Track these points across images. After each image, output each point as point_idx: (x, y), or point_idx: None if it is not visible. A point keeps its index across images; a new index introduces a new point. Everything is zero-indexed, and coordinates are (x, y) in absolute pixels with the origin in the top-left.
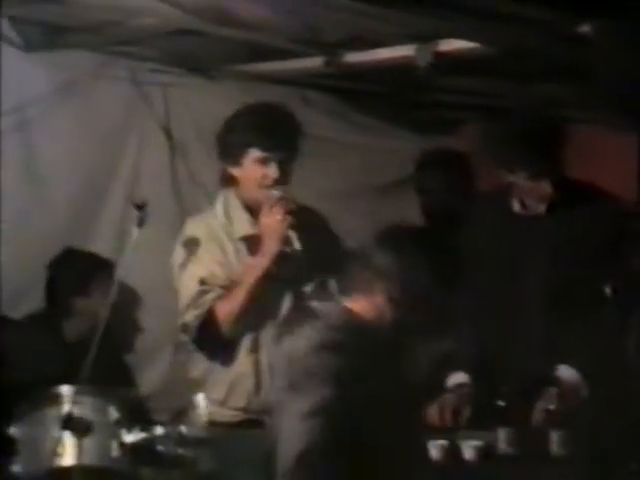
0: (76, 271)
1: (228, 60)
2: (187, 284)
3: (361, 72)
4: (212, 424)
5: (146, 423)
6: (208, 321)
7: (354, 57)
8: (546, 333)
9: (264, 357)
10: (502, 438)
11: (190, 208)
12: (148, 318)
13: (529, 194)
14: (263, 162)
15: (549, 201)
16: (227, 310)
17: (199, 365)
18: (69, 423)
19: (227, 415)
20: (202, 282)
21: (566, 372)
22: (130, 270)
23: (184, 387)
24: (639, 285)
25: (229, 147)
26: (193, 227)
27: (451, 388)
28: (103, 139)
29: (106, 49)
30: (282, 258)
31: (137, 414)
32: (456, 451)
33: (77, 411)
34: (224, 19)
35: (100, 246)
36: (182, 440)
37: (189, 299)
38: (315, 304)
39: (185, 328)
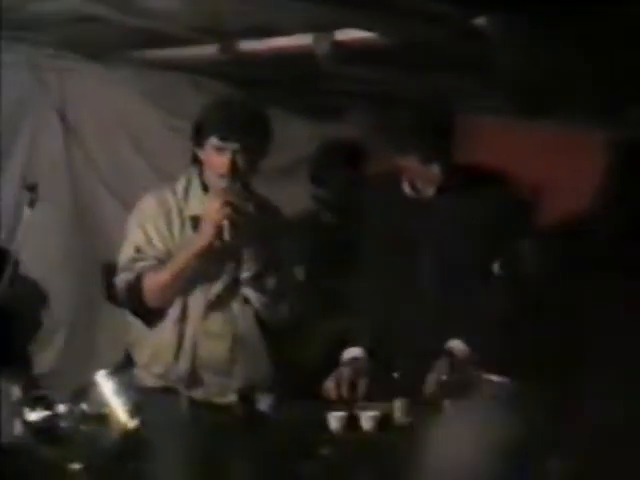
0: None
1: (124, 46)
2: (125, 249)
3: (257, 60)
4: (138, 387)
5: (46, 402)
6: (135, 287)
7: (250, 45)
8: (438, 310)
9: (189, 329)
10: (398, 408)
11: (84, 191)
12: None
13: (419, 177)
14: (219, 151)
15: (438, 184)
16: (153, 281)
17: (133, 328)
18: None
19: (150, 380)
20: (138, 250)
21: (457, 345)
22: (24, 253)
23: (81, 367)
24: (525, 261)
25: (197, 130)
26: (146, 199)
27: (346, 362)
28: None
29: (3, 34)
30: (219, 243)
31: (37, 394)
32: (354, 422)
33: None
34: (127, 7)
35: None
36: (84, 417)
37: (122, 263)
38: (248, 292)
39: (114, 288)
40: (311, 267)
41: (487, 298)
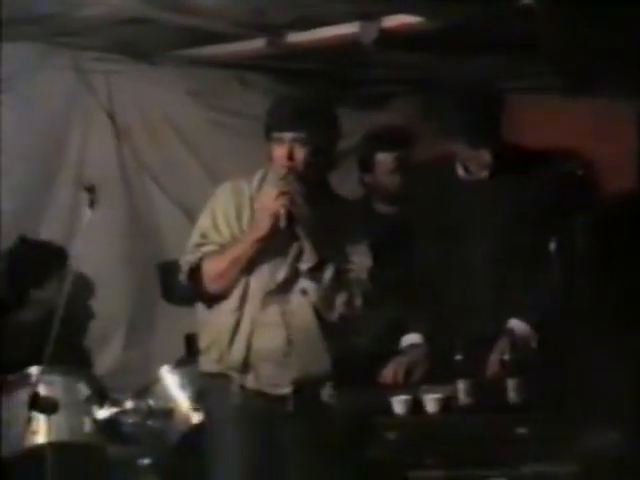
0: (30, 263)
1: (169, 46)
2: (193, 233)
3: (303, 52)
4: (199, 373)
5: (113, 399)
6: (196, 270)
7: (297, 37)
8: (496, 291)
9: (246, 319)
10: (462, 389)
11: (137, 191)
12: (99, 302)
13: (471, 161)
14: (279, 143)
15: (491, 167)
16: (213, 266)
17: (196, 313)
18: (36, 403)
19: (209, 365)
20: (203, 235)
21: (517, 324)
22: (81, 255)
23: (143, 364)
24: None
25: (266, 130)
26: (223, 186)
27: (404, 349)
28: (48, 127)
29: (49, 40)
30: (279, 233)
31: (104, 391)
32: (419, 405)
33: (46, 391)
34: (172, 5)
35: (53, 231)
36: (151, 412)
37: (189, 246)
38: (306, 284)
39: (181, 269)
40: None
41: (545, 276)
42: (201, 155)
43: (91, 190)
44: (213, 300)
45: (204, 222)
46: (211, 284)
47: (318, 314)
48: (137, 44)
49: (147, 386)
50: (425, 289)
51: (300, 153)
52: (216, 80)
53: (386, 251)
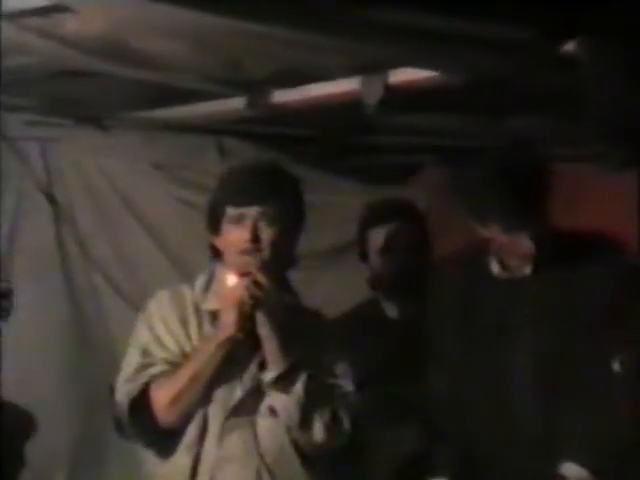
0: None
1: (126, 106)
2: (129, 353)
3: (292, 114)
4: None
5: None
6: (141, 403)
7: (283, 95)
8: (543, 422)
9: (206, 456)
10: None
11: (83, 290)
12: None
13: (508, 252)
14: (237, 221)
15: (535, 260)
16: (165, 391)
17: (146, 462)
18: None
19: None
20: (144, 352)
21: (573, 470)
22: (9, 379)
23: None
24: None
25: (210, 214)
26: (158, 295)
27: None
28: None
29: None
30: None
31: None
32: None
33: None
34: (127, 57)
35: None
36: None
37: (127, 372)
38: (274, 400)
39: (116, 408)
40: (370, 371)
41: (607, 404)
42: (167, 244)
43: (4, 294)
44: (164, 439)
45: (142, 337)
46: (165, 416)
47: (297, 447)
48: (82, 104)
49: None
50: (450, 418)
51: (267, 235)
52: (188, 149)
53: (397, 365)
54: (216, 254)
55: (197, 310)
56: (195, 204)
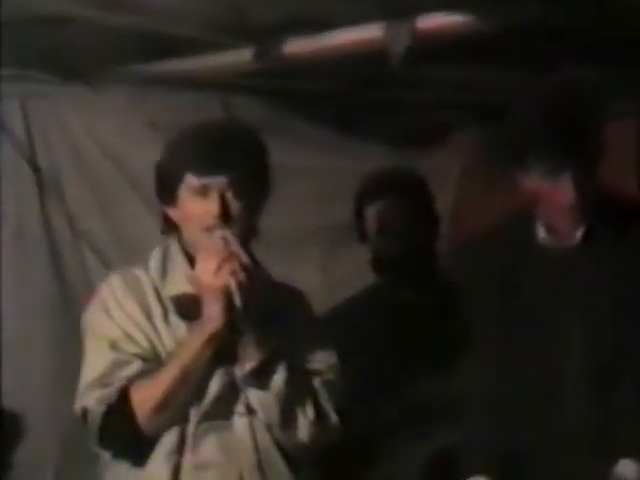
0: None
1: (119, 59)
2: (93, 350)
3: (307, 66)
4: None
5: None
6: (120, 408)
7: (295, 46)
8: (595, 415)
9: (187, 464)
10: None
11: (71, 271)
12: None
13: (552, 207)
14: (201, 193)
15: (585, 225)
16: (149, 396)
17: (111, 469)
18: None
19: None
20: (114, 346)
21: (629, 469)
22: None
23: None
24: None
25: (163, 179)
26: (109, 280)
27: None
28: None
29: None
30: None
31: None
32: None
33: None
34: (120, 2)
35: None
36: None
37: (95, 372)
38: (250, 397)
39: (85, 415)
40: (378, 360)
41: None
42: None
43: None
44: (142, 447)
45: (105, 329)
46: (149, 423)
47: (278, 443)
48: (69, 56)
49: None
50: (488, 411)
51: (236, 208)
52: (188, 107)
53: (411, 355)
54: (170, 227)
55: (158, 297)
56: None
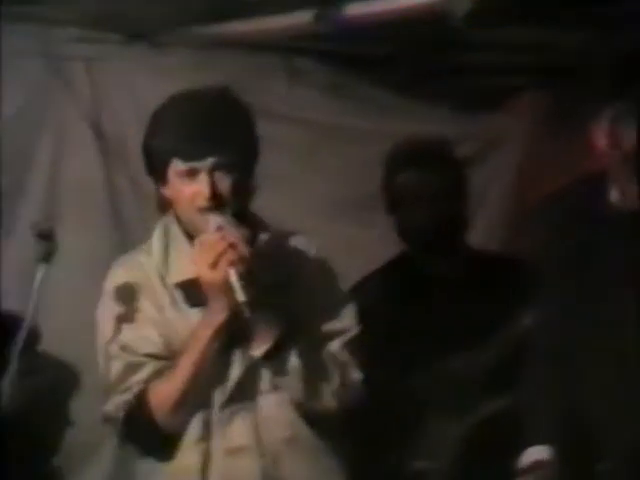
0: None
1: (182, 21)
2: (106, 353)
3: (366, 29)
4: None
5: None
6: (140, 411)
7: (356, 8)
8: None
9: (216, 450)
10: None
11: (137, 234)
12: (82, 399)
13: (625, 169)
14: (189, 175)
15: None
16: (165, 393)
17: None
18: None
19: None
20: (126, 349)
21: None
22: (50, 329)
23: None
24: None
25: (150, 160)
26: (113, 274)
27: (525, 469)
28: (4, 142)
29: (4, 10)
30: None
31: None
32: None
33: None
34: None
35: (9, 294)
36: None
37: (113, 377)
38: (272, 372)
39: (108, 420)
40: (411, 336)
41: None
42: None
43: (47, 236)
44: (168, 442)
45: (124, 334)
46: (170, 419)
47: (308, 417)
48: (133, 17)
49: None
50: (554, 379)
51: (227, 185)
52: (251, 70)
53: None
54: (166, 205)
55: (165, 284)
56: (260, 133)
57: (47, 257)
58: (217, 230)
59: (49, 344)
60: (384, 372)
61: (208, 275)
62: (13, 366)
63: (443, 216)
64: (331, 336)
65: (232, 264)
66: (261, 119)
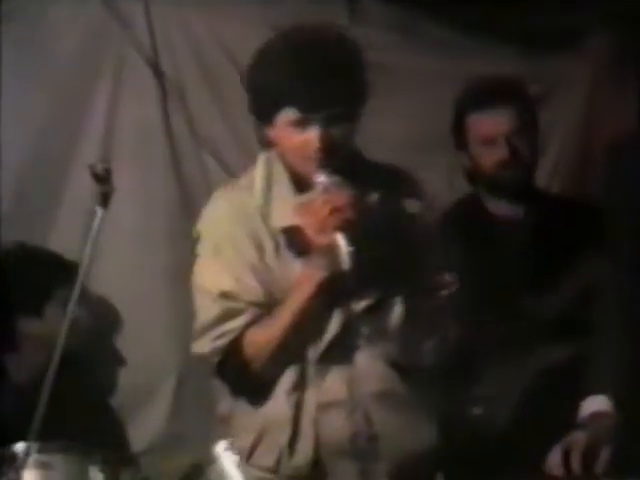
0: (24, 281)
1: None
2: (205, 297)
3: None
4: None
5: None
6: (233, 358)
7: None
8: None
9: (309, 401)
10: None
11: (193, 177)
12: (135, 342)
13: None
14: (299, 125)
15: None
16: (262, 340)
17: (225, 399)
18: None
19: (253, 476)
20: (225, 295)
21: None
22: (106, 274)
23: (196, 434)
24: None
25: (257, 100)
26: (214, 206)
27: (584, 421)
28: (61, 83)
29: None
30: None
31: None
32: None
33: (43, 477)
34: None
35: (63, 240)
36: None
37: (208, 320)
38: (371, 328)
39: (201, 359)
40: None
41: None
42: None
43: (103, 178)
44: (259, 387)
45: (216, 276)
46: (263, 368)
47: (401, 370)
48: None
49: (198, 468)
50: (615, 326)
51: (337, 137)
52: (312, 9)
53: (516, 272)
54: (268, 142)
55: (267, 227)
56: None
57: (104, 199)
58: (323, 192)
59: (102, 286)
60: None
61: (314, 236)
62: (70, 310)
63: (517, 157)
64: (433, 293)
65: (338, 229)
66: None
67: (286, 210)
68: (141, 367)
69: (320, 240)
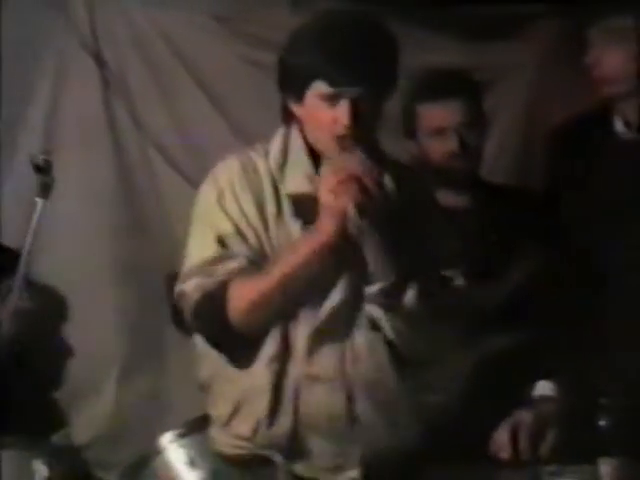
0: None
1: None
2: (200, 237)
3: None
4: (214, 455)
5: None
6: (217, 300)
7: None
8: None
9: (290, 372)
10: (606, 474)
11: (134, 167)
12: (81, 331)
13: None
14: (330, 100)
15: None
16: (245, 292)
17: (207, 362)
18: None
19: (231, 446)
20: (221, 242)
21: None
22: (51, 265)
23: (140, 426)
24: None
25: (288, 75)
26: (226, 163)
27: (533, 402)
28: (2, 74)
29: None
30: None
31: (76, 471)
32: None
33: None
34: None
35: (6, 230)
36: None
37: (198, 261)
38: (376, 312)
39: (181, 298)
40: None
41: None
42: (230, 110)
43: (44, 170)
44: (238, 346)
45: (217, 222)
46: (242, 320)
47: (398, 358)
48: None
49: (143, 460)
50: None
51: (365, 116)
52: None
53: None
54: (290, 119)
55: (275, 192)
56: (262, 63)
57: (44, 190)
58: (347, 156)
59: (48, 277)
60: None
61: (328, 199)
62: (12, 299)
63: (464, 148)
64: (446, 283)
65: (354, 198)
66: (264, 49)
67: (299, 179)
68: (86, 358)
69: (329, 201)
